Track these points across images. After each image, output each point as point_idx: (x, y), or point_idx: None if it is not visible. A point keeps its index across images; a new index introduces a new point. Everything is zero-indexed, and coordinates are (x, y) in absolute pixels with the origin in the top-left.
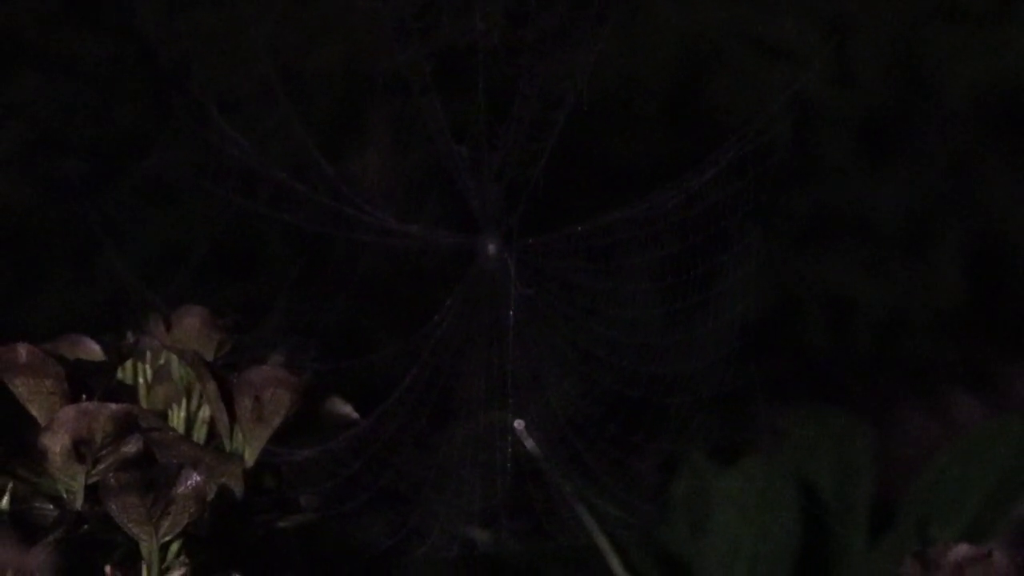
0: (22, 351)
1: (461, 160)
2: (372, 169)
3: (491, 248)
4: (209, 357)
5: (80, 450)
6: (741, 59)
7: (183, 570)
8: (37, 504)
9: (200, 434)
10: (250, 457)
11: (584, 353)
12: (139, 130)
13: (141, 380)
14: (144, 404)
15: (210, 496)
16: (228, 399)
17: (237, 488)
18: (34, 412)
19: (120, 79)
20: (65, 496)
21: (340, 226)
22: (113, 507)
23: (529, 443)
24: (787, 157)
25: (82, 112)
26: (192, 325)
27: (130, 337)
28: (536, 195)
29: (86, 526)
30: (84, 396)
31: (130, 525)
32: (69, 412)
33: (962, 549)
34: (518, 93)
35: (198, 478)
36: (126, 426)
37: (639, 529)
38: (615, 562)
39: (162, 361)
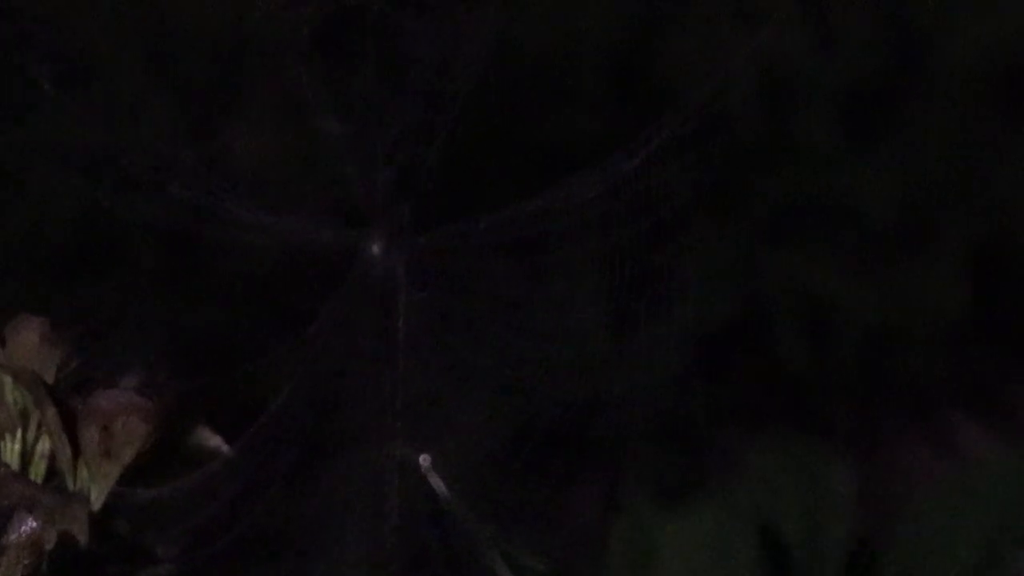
0: None
1: (344, 140)
2: (240, 151)
3: (376, 246)
4: (50, 379)
5: None
6: (699, 17)
7: None
8: None
9: (38, 471)
10: (97, 498)
11: (492, 371)
12: None
13: None
14: None
15: (49, 545)
16: (72, 429)
17: (82, 535)
18: None
19: None
20: None
21: (201, 221)
22: None
23: (435, 481)
24: (749, 133)
25: None
26: (29, 340)
27: None
28: (433, 182)
29: None
30: None
31: None
32: None
33: None
34: (414, 60)
35: (34, 523)
36: None
37: None
38: None
39: None
